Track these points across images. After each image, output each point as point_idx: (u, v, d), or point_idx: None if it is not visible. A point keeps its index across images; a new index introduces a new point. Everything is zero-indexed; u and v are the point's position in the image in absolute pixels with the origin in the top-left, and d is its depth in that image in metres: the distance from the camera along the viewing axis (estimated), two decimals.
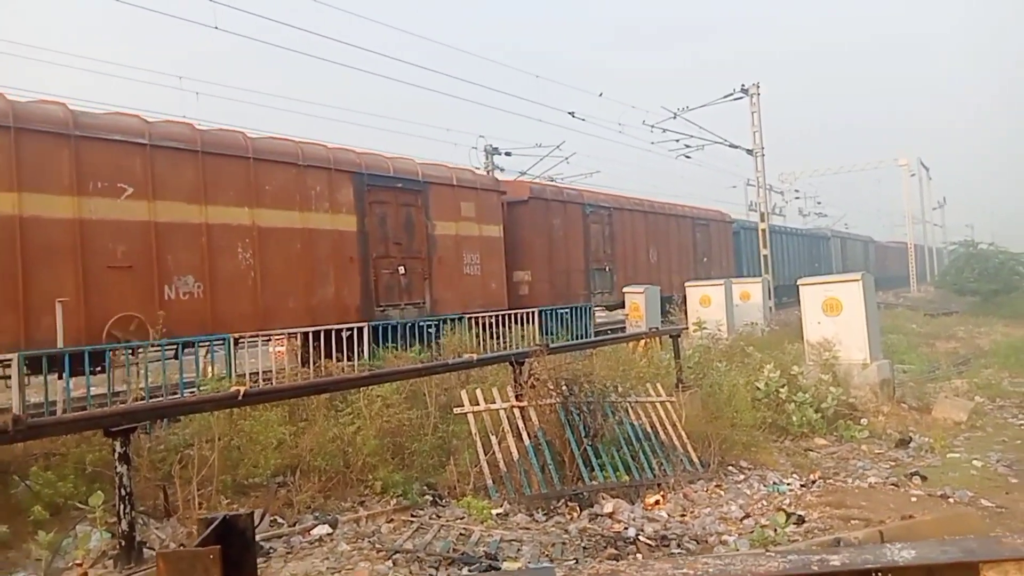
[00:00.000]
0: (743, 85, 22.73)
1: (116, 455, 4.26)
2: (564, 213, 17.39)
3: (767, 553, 1.56)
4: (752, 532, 5.50)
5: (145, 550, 4.58)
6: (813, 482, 7.38)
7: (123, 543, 4.25)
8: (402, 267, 12.83)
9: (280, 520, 5.92)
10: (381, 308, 12.23)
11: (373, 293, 12.23)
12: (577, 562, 5.10)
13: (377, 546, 5.30)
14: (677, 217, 22.75)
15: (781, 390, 9.68)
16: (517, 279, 16.19)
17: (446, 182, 14.01)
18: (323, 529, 5.64)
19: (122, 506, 4.22)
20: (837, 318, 11.26)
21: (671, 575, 1.49)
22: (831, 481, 7.49)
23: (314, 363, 9.48)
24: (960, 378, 13.76)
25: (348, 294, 11.79)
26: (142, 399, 7.26)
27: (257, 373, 9.86)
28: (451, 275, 13.85)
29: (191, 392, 8.42)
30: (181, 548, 1.43)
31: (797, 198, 51.02)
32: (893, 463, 8.35)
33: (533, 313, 14.79)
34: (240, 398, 4.90)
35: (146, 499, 5.89)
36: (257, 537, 5.37)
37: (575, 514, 6.39)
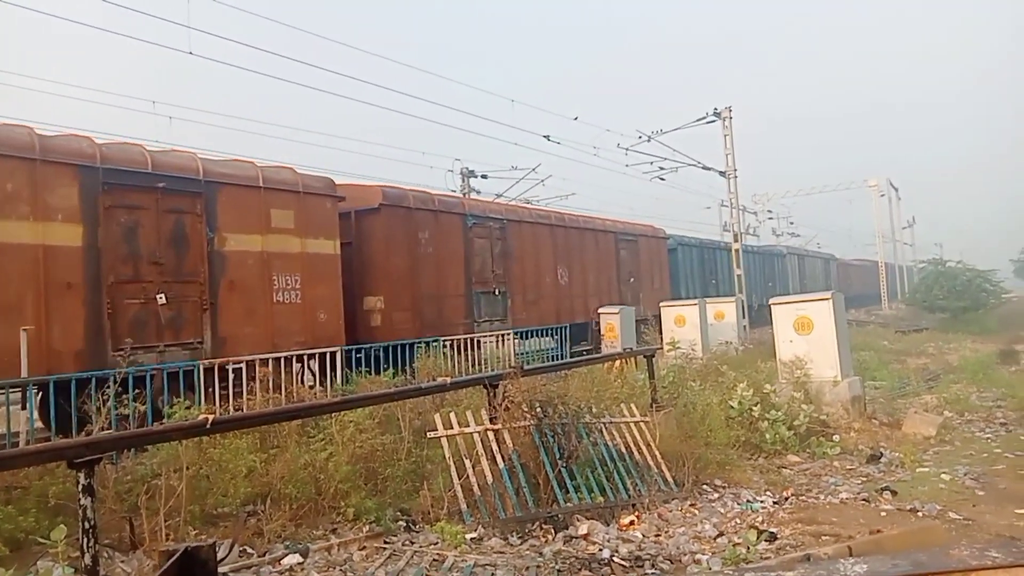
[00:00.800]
0: (715, 108, 23.13)
1: (80, 487, 4.17)
2: (436, 224, 14.61)
3: (726, 571, 1.58)
4: (725, 551, 5.52)
5: None
6: (786, 499, 7.42)
7: None
8: (163, 295, 9.72)
9: (250, 550, 5.82)
10: (122, 351, 8.87)
11: (107, 332, 9.14)
12: None
13: (349, 574, 5.23)
14: (595, 232, 20.35)
15: (754, 408, 9.74)
16: (368, 307, 13.44)
17: (246, 182, 10.92)
18: (294, 559, 5.56)
19: (85, 540, 4.13)
20: (809, 336, 11.40)
21: None
22: (803, 498, 7.53)
23: (285, 389, 9.37)
24: (930, 393, 13.96)
25: (60, 334, 8.68)
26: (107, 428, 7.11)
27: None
28: (252, 304, 10.82)
29: (159, 422, 8.30)
30: None
31: (770, 218, 51.82)
32: (864, 478, 8.42)
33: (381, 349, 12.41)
34: (208, 426, 4.83)
35: (111, 531, 5.77)
36: (226, 568, 5.28)
37: (550, 537, 6.36)
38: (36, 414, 8.41)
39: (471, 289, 15.51)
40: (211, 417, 4.89)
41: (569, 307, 18.65)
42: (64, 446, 4.53)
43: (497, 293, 16.19)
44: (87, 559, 4.17)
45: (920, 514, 6.61)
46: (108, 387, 7.18)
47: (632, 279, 21.52)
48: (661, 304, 19.08)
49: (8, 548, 5.14)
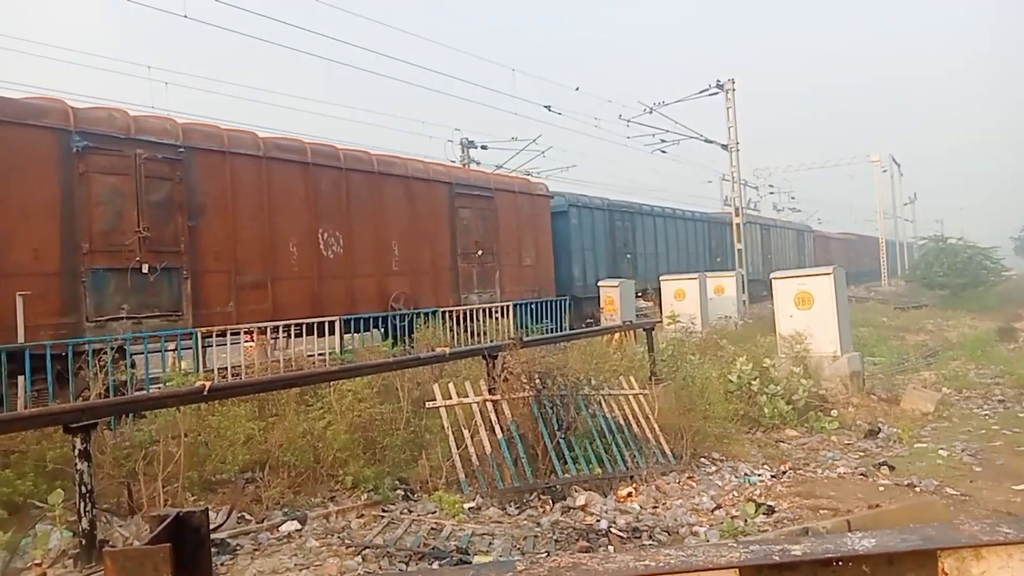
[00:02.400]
0: (718, 80, 22.87)
1: (76, 452, 4.15)
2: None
3: (729, 544, 1.54)
4: (723, 523, 5.53)
5: (107, 549, 4.48)
6: (784, 472, 7.44)
7: (84, 542, 4.15)
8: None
9: (248, 516, 5.83)
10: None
11: None
12: (549, 555, 5.09)
13: (347, 542, 5.24)
14: (408, 180, 13.88)
15: (753, 382, 9.75)
16: None
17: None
18: (292, 525, 5.57)
19: (82, 504, 4.12)
20: (809, 311, 11.37)
21: (633, 567, 1.47)
22: (801, 472, 7.56)
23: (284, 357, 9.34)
24: (928, 370, 13.99)
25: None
26: (105, 395, 7.09)
27: (226, 368, 9.70)
28: None
29: (158, 387, 8.27)
30: (129, 546, 1.37)
31: (772, 193, 51.61)
32: (862, 453, 8.45)
33: None
34: (205, 393, 4.79)
35: (110, 497, 5.77)
36: (224, 534, 5.28)
37: (547, 507, 6.38)
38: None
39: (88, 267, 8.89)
40: (208, 384, 4.86)
41: (345, 292, 12.33)
42: (60, 411, 4.51)
43: (150, 271, 9.40)
44: (84, 523, 4.17)
45: (918, 489, 6.62)
46: (105, 354, 7.13)
47: (481, 251, 15.57)
48: (661, 278, 19.01)
49: (6, 511, 5.13)
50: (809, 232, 41.87)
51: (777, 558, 1.46)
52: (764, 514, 5.67)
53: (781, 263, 31.85)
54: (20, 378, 7.53)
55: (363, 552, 5.01)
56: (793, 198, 54.44)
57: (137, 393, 6.97)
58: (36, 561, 4.62)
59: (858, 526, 4.32)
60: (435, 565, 4.80)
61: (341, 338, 11.35)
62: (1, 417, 5.22)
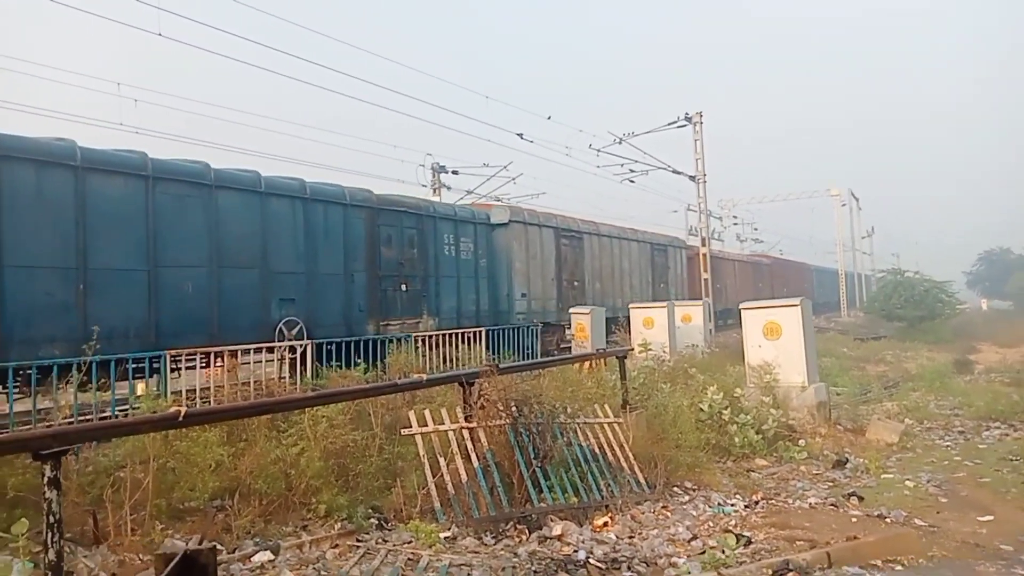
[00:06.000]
0: (687, 113, 23.40)
1: (45, 480, 3.99)
2: None
3: None
4: (703, 553, 5.54)
5: None
6: (756, 503, 7.49)
7: (49, 574, 3.98)
8: None
9: (219, 547, 5.66)
10: None
11: None
12: None
13: (323, 573, 5.12)
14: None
15: (724, 412, 9.84)
16: None
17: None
18: (265, 556, 5.43)
19: (50, 534, 3.95)
20: (777, 341, 11.56)
21: None
22: (773, 502, 7.62)
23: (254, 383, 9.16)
24: (890, 400, 14.28)
25: None
26: (70, 420, 6.87)
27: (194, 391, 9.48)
28: None
29: (123, 411, 8.04)
30: None
31: (736, 224, 52.55)
32: (831, 483, 8.56)
33: None
34: (181, 419, 4.67)
35: (73, 525, 5.55)
36: None
37: (524, 537, 6.32)
38: None
39: None
40: (183, 410, 4.73)
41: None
42: (30, 436, 4.35)
43: None
44: (51, 554, 4.00)
45: (888, 520, 6.72)
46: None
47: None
48: (631, 305, 19.18)
49: None
50: (679, 248, 29.85)
51: None
52: (742, 545, 5.70)
53: (616, 295, 23.56)
54: None
55: None
56: (756, 229, 55.52)
57: (106, 419, 6.74)
58: None
59: (838, 558, 4.36)
60: None
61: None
62: None
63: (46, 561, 4.03)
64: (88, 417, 7.55)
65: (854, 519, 6.74)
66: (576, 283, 21.05)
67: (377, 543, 5.91)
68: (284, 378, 10.23)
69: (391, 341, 12.28)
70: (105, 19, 12.76)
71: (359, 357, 11.79)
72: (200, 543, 5.29)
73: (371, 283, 14.09)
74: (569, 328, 18.38)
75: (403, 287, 14.90)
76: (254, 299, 11.64)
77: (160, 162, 10.48)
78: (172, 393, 9.15)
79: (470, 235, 17.11)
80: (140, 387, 9.84)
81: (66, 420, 6.84)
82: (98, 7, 13.32)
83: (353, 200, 13.81)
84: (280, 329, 11.80)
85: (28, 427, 7.09)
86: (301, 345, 11.40)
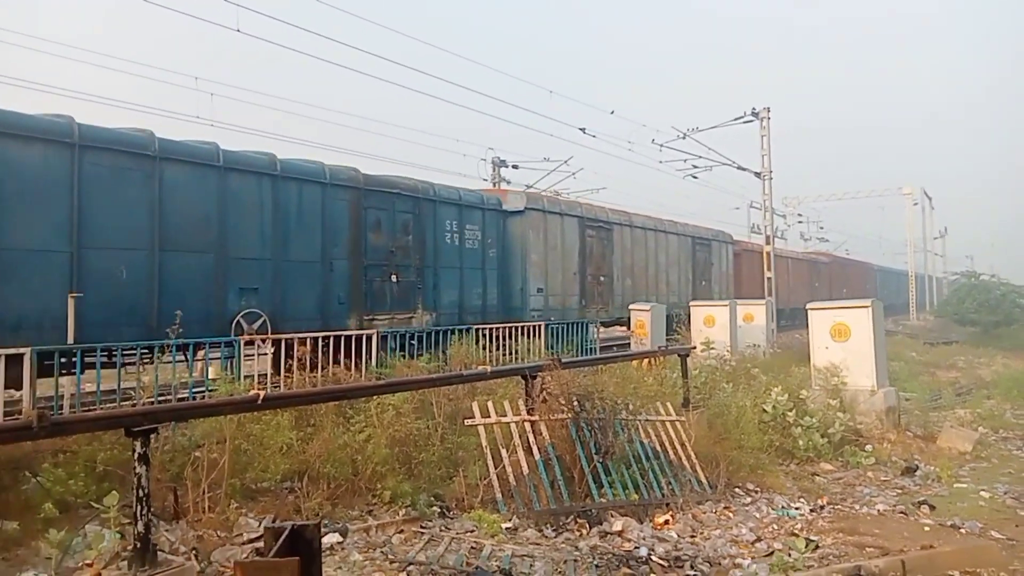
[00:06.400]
0: (754, 108, 22.86)
1: (136, 455, 4.22)
2: None
3: None
4: (769, 555, 5.47)
5: (237, 560, 4.50)
6: (822, 507, 7.35)
7: (138, 545, 4.20)
8: None
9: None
10: None
11: None
12: None
13: (390, 557, 5.25)
14: None
15: (788, 414, 9.66)
16: None
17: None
18: (334, 537, 5.59)
19: (139, 507, 4.18)
20: (845, 344, 11.26)
21: None
22: (839, 507, 7.46)
23: (322, 368, 9.39)
24: (963, 407, 13.75)
25: None
26: (152, 400, 7.20)
27: (264, 376, 9.78)
28: None
29: (198, 393, 8.38)
30: (258, 559, 1.41)
31: (800, 222, 51.20)
32: (900, 491, 8.32)
33: None
34: (259, 402, 4.86)
35: (154, 500, 5.83)
36: None
37: (584, 531, 6.35)
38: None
39: None
40: (263, 393, 4.92)
41: None
42: (123, 414, 4.59)
43: None
44: (140, 526, 4.22)
45: (963, 531, 6.50)
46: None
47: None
48: (691, 303, 18.94)
49: (58, 511, 5.21)
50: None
51: None
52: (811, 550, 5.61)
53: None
54: (65, 379, 7.67)
55: (407, 569, 5.02)
56: (822, 227, 53.97)
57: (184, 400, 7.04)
58: (88, 561, 4.68)
59: (913, 567, 4.25)
60: None
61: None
62: (68, 418, 5.32)
63: (135, 532, 4.26)
64: (167, 398, 7.87)
65: (926, 528, 6.55)
66: (603, 278, 18.98)
67: (441, 530, 6.03)
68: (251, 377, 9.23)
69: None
70: (183, 14, 13.20)
71: (421, 349, 11.78)
72: (273, 522, 5.51)
73: (355, 273, 12.37)
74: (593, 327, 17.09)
75: (393, 278, 12.98)
76: (206, 287, 10.13)
77: (90, 129, 8.98)
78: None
79: (477, 222, 15.15)
80: (213, 371, 10.25)
81: (148, 400, 7.15)
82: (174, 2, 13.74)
83: (334, 179, 12.07)
84: (239, 322, 10.34)
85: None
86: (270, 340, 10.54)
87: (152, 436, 4.37)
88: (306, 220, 11.64)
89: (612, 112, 24.05)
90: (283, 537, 1.69)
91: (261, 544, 5.16)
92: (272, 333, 10.56)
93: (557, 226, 17.42)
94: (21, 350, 6.99)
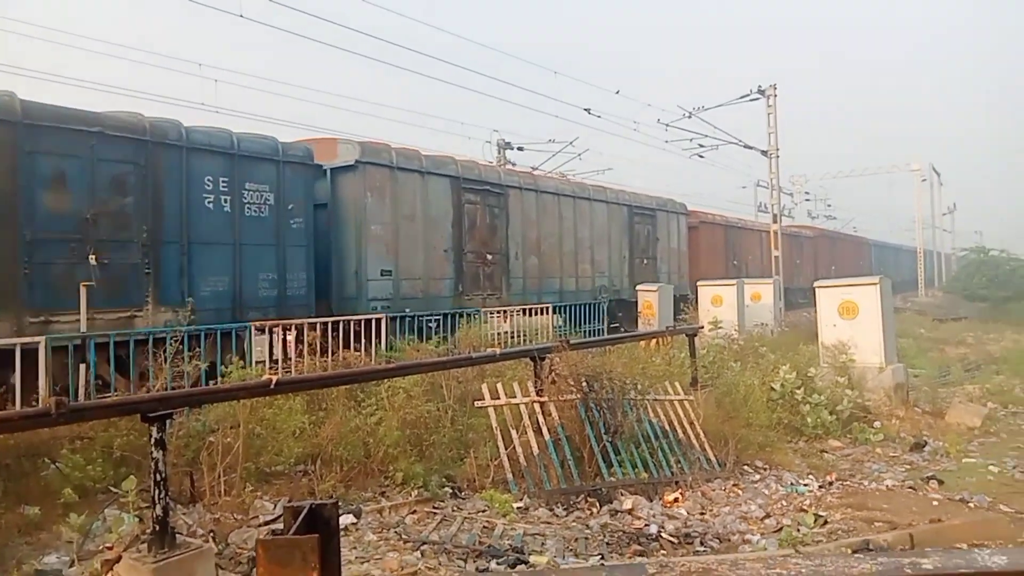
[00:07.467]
0: (759, 86, 22.70)
1: (152, 440, 4.29)
2: None
3: (858, 556, 1.59)
4: (778, 531, 5.53)
5: (259, 538, 4.59)
6: (831, 483, 7.40)
7: (157, 528, 4.28)
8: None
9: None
10: None
11: None
12: (603, 557, 5.14)
13: (404, 537, 5.34)
14: None
15: (796, 391, 9.68)
16: None
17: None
18: (348, 519, 5.67)
19: (157, 491, 4.25)
20: (853, 321, 11.26)
21: (764, 575, 1.51)
22: (848, 483, 7.50)
23: (332, 353, 9.48)
24: (972, 383, 13.74)
25: None
26: (167, 386, 7.28)
27: (275, 361, 9.87)
28: None
29: (213, 380, 8.47)
30: (278, 536, 1.45)
31: (807, 200, 50.93)
32: (908, 466, 8.36)
33: None
34: (272, 387, 4.93)
35: (170, 484, 5.93)
36: (280, 525, 5.41)
37: (595, 510, 6.43)
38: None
39: None
40: (275, 378, 4.98)
41: None
42: (138, 400, 4.66)
43: None
44: (158, 510, 4.29)
45: (971, 505, 6.54)
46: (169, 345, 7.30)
47: None
48: (699, 283, 18.95)
49: (77, 496, 5.31)
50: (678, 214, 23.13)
51: (908, 571, 1.49)
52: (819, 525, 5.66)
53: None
54: (82, 367, 7.76)
55: (421, 548, 5.10)
56: (829, 205, 53.67)
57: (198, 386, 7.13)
58: (108, 545, 4.78)
59: (921, 541, 4.30)
60: (492, 563, 4.87)
61: None
62: (85, 405, 5.41)
63: (153, 515, 4.33)
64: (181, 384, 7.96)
65: (935, 502, 6.59)
66: (492, 256, 15.10)
67: (453, 511, 6.11)
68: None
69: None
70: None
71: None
72: (289, 503, 5.60)
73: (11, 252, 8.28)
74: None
75: (93, 259, 8.65)
76: None
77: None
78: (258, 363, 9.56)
79: (268, 180, 10.94)
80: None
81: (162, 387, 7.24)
82: None
83: None
84: None
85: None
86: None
87: (168, 421, 4.43)
88: None
89: (617, 92, 23.92)
90: (302, 515, 1.73)
91: (277, 526, 5.27)
92: None
93: (415, 188, 13.35)
94: (36, 339, 7.07)
